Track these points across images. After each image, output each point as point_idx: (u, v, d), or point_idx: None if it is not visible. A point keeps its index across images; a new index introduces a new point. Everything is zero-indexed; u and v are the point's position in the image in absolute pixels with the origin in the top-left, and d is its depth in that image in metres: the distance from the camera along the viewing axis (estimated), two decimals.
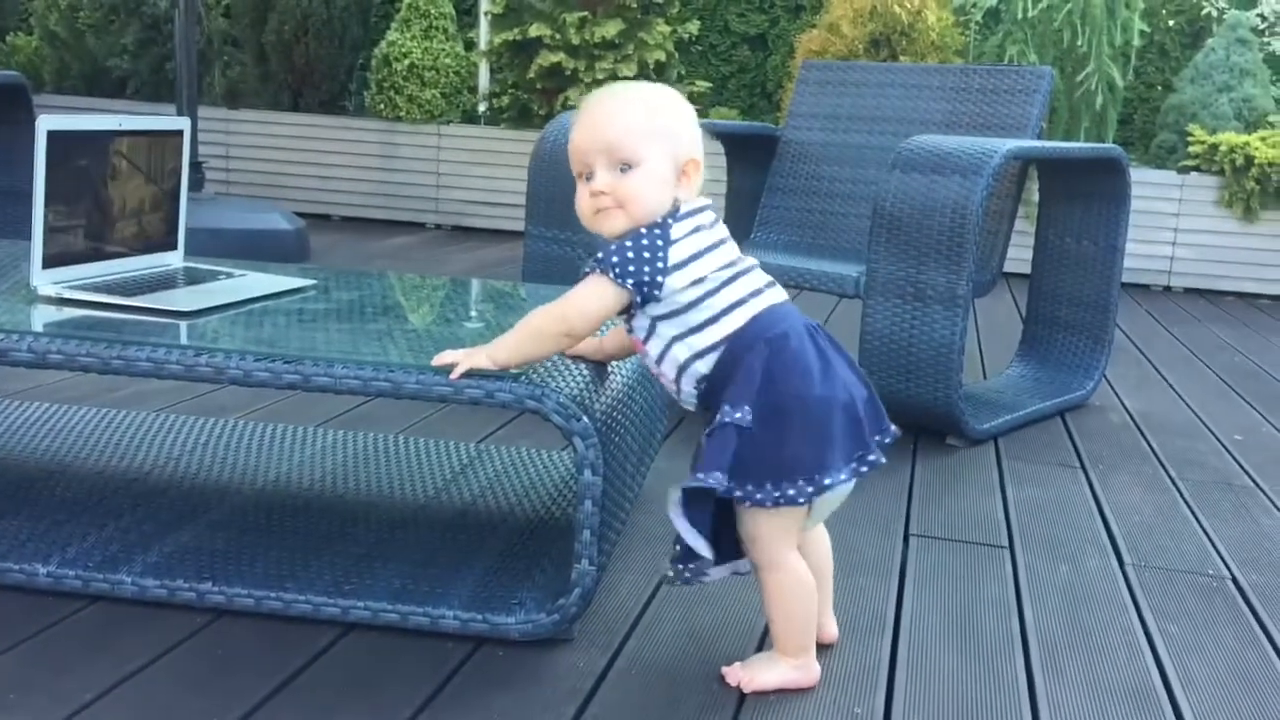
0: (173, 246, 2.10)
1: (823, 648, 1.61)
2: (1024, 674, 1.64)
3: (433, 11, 6.53)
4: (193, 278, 2.00)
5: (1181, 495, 2.50)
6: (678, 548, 1.50)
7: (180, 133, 2.08)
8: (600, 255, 1.45)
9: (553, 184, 3.02)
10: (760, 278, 1.51)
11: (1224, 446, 2.91)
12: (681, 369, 1.49)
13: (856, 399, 1.46)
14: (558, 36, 6.08)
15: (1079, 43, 5.89)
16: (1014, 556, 2.09)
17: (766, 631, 1.68)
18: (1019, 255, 4.32)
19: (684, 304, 1.46)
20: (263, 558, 1.73)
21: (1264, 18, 6.75)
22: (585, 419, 1.50)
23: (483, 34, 6.69)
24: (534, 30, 6.10)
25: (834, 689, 1.55)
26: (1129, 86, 6.58)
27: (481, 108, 6.67)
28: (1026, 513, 2.32)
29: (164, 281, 1.94)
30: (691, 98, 5.73)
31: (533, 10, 6.20)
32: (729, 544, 1.52)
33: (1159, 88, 7.02)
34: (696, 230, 1.47)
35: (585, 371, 1.63)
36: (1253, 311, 5.30)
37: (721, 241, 1.49)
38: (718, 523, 1.48)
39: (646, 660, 1.59)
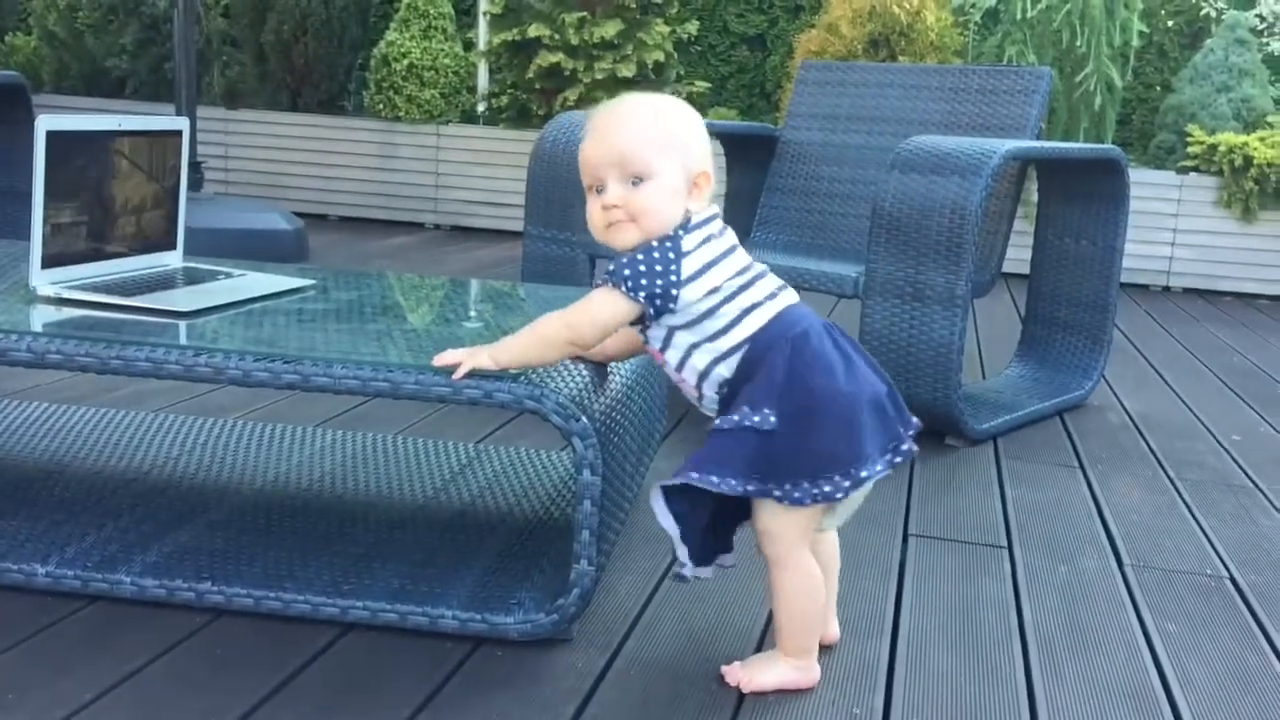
0: (172, 246, 2.10)
1: (823, 648, 1.61)
2: (1022, 674, 1.64)
3: (432, 11, 6.53)
4: (191, 278, 2.00)
5: (1180, 495, 2.50)
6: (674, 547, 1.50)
7: (179, 132, 2.08)
8: (612, 268, 1.45)
9: (551, 184, 3.02)
10: (773, 281, 1.51)
11: (1222, 446, 2.91)
12: (703, 376, 1.49)
13: (879, 393, 1.47)
14: (557, 37, 6.08)
15: (1078, 43, 5.89)
16: (1013, 556, 2.09)
17: (765, 632, 1.69)
18: (1018, 255, 4.32)
19: (700, 313, 1.46)
20: (261, 557, 1.73)
21: (1263, 18, 6.75)
22: (584, 419, 1.50)
23: (481, 34, 6.70)
24: (533, 30, 6.10)
25: (833, 689, 1.55)
26: (1128, 87, 6.58)
27: (480, 108, 6.67)
28: (1025, 513, 2.32)
29: (163, 281, 1.94)
30: (690, 98, 5.75)
31: (531, 10, 6.21)
32: (724, 536, 1.53)
33: (1158, 88, 7.02)
34: (708, 240, 1.47)
35: (584, 372, 1.63)
36: (1251, 312, 5.30)
37: (732, 249, 1.50)
38: (713, 516, 1.49)
39: (645, 660, 1.59)
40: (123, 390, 2.77)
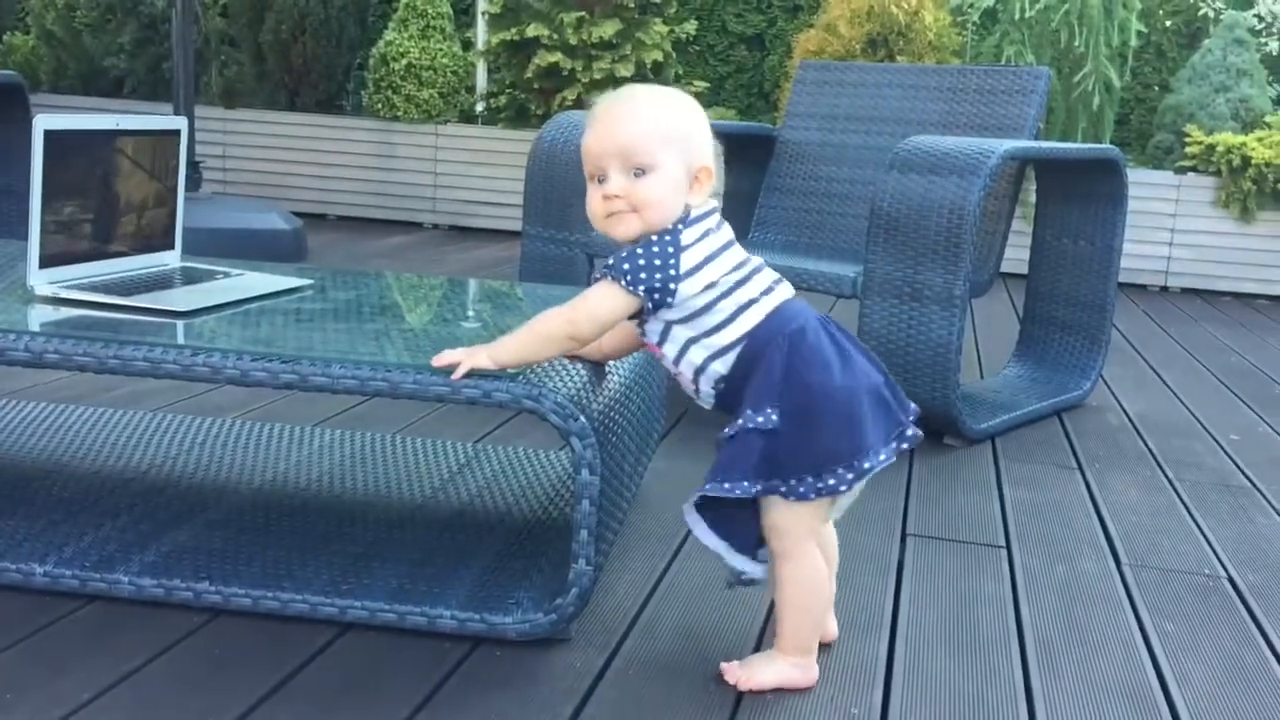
0: (170, 246, 2.10)
1: (821, 646, 1.61)
2: (1020, 673, 1.64)
3: (430, 11, 6.53)
4: (190, 277, 2.00)
5: (1178, 495, 2.50)
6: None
7: (177, 132, 2.08)
8: (611, 261, 1.46)
9: (550, 184, 3.02)
10: (769, 275, 1.52)
11: (1220, 446, 2.92)
12: (699, 370, 1.50)
13: (877, 383, 1.48)
14: (555, 36, 6.08)
15: (1076, 43, 5.90)
16: (1011, 556, 2.09)
17: (764, 632, 1.69)
18: (1016, 255, 4.31)
19: (698, 308, 1.46)
20: (260, 557, 1.73)
21: (1261, 18, 6.76)
22: (582, 419, 1.50)
23: (480, 34, 6.69)
24: (531, 30, 6.10)
25: (831, 688, 1.55)
26: (1126, 87, 6.59)
27: (479, 107, 6.67)
28: (1023, 512, 2.32)
29: (161, 281, 1.94)
30: None
31: (530, 10, 6.21)
32: (745, 537, 1.53)
33: (1156, 88, 7.03)
34: (706, 234, 1.47)
35: (583, 371, 1.63)
36: (1249, 311, 5.31)
37: (730, 243, 1.50)
38: (734, 519, 1.50)
39: (644, 660, 1.59)
40: (120, 390, 2.76)
